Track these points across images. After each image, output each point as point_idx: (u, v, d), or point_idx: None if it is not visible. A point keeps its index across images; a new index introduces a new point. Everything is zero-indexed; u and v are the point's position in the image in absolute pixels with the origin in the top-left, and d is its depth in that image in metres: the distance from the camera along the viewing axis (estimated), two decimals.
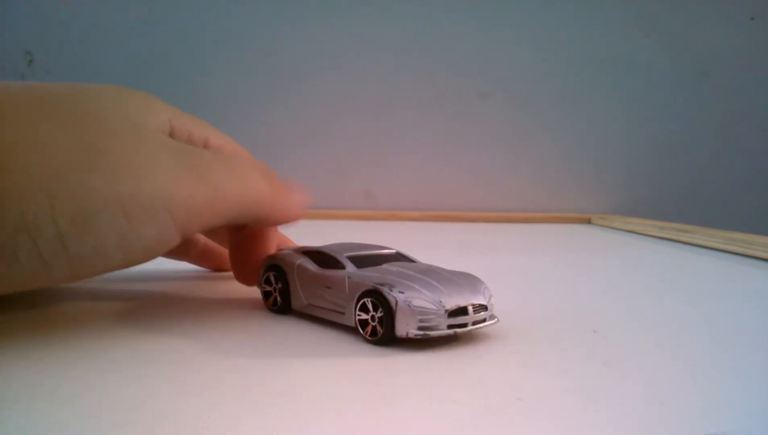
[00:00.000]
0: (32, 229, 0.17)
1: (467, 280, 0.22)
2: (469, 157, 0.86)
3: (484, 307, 0.21)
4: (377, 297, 0.20)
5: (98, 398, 0.15)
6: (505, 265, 0.42)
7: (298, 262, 0.24)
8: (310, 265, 0.23)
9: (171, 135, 0.24)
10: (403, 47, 0.84)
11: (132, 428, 0.13)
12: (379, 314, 0.20)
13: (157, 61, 0.82)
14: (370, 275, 0.21)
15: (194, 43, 0.82)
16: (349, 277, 0.22)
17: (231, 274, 0.34)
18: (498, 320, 0.22)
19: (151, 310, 0.25)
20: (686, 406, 0.16)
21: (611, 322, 0.25)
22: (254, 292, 0.27)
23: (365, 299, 0.20)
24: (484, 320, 0.21)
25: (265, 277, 0.25)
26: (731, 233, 0.56)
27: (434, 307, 0.20)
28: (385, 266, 0.23)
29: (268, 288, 0.25)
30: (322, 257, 0.24)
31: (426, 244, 0.55)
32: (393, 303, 0.20)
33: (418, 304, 0.20)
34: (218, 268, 0.35)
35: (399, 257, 0.25)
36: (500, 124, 0.86)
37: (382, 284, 0.20)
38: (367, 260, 0.23)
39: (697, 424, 0.15)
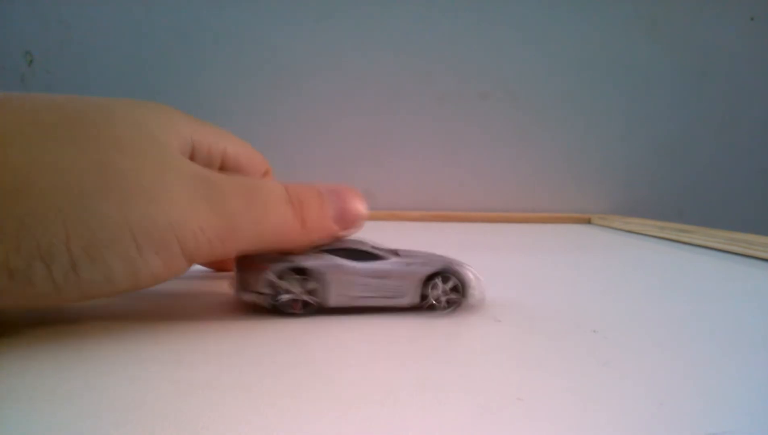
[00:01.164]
0: (47, 256, 0.17)
1: (446, 258, 0.27)
2: (469, 157, 0.86)
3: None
4: (454, 275, 0.25)
5: (98, 398, 0.15)
6: (505, 265, 0.42)
7: (335, 262, 0.25)
8: (350, 263, 0.25)
9: (192, 152, 0.24)
10: (403, 47, 0.84)
11: (132, 428, 0.13)
12: (450, 287, 0.25)
13: (157, 61, 0.82)
14: (428, 260, 0.26)
15: (194, 43, 0.82)
16: (407, 265, 0.25)
17: (232, 274, 0.34)
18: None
19: (151, 309, 0.25)
20: (686, 406, 0.16)
21: (611, 322, 0.25)
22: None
23: (436, 279, 0.25)
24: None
25: (281, 283, 0.24)
26: (731, 233, 0.56)
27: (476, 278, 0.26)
28: (419, 252, 0.27)
29: (295, 291, 0.24)
30: (355, 253, 0.25)
31: (426, 244, 0.55)
32: (468, 278, 0.25)
33: (473, 276, 0.26)
34: (220, 268, 0.35)
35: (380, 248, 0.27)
36: (500, 124, 0.86)
37: (450, 264, 0.25)
38: (394, 252, 0.27)
39: (697, 424, 0.15)
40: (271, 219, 0.22)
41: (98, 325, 0.22)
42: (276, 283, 0.24)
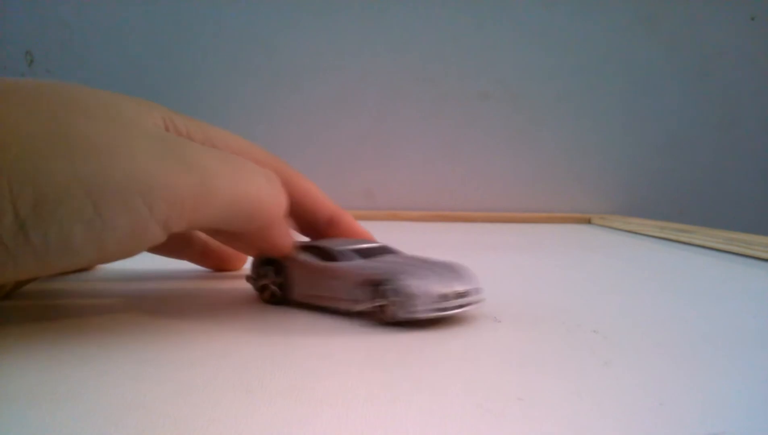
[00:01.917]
0: None
1: (455, 267, 0.24)
2: (469, 157, 0.86)
3: (470, 292, 0.23)
4: (390, 285, 0.22)
5: (98, 398, 0.15)
6: (505, 265, 0.42)
7: (300, 256, 0.25)
8: (312, 259, 0.25)
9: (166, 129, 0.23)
10: (403, 47, 0.84)
11: (132, 428, 0.13)
12: (390, 300, 0.22)
13: (157, 61, 0.82)
14: (380, 266, 0.23)
15: (194, 43, 0.82)
16: (360, 268, 0.23)
17: (231, 273, 0.34)
18: (484, 299, 0.24)
19: (151, 309, 0.25)
20: (686, 406, 0.16)
21: (611, 322, 0.25)
22: (254, 291, 0.27)
23: (379, 287, 0.22)
24: (470, 304, 0.23)
25: (261, 271, 0.27)
26: (731, 233, 0.56)
27: (429, 291, 0.22)
28: (387, 257, 0.25)
29: (266, 281, 0.26)
30: (323, 251, 0.25)
31: (426, 244, 0.55)
32: (401, 289, 0.22)
33: (416, 289, 0.22)
34: (219, 268, 0.35)
35: (388, 250, 0.27)
36: (500, 124, 0.86)
37: (393, 273, 0.22)
38: (367, 253, 0.25)
39: (697, 424, 0.15)
40: (248, 185, 0.21)
41: (98, 325, 0.22)
42: (258, 269, 0.27)
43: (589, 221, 0.81)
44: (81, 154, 0.17)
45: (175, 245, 0.32)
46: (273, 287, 0.26)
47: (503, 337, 0.22)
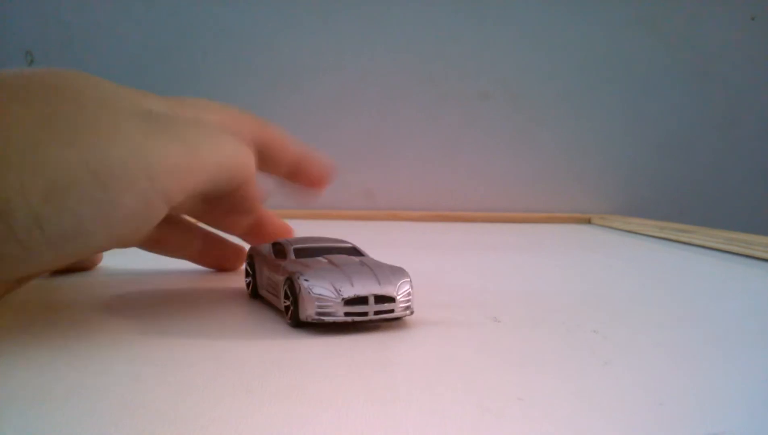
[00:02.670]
0: (5, 213, 0.16)
1: (387, 274, 0.22)
2: (469, 157, 0.86)
3: (389, 299, 0.22)
4: (290, 283, 0.22)
5: (97, 398, 0.15)
6: (505, 265, 0.42)
7: (264, 251, 0.26)
8: (269, 255, 0.25)
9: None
10: (403, 47, 0.84)
11: (131, 428, 0.13)
12: (290, 299, 0.22)
13: (157, 61, 0.82)
14: (294, 264, 0.23)
15: (194, 43, 0.82)
16: (283, 266, 0.23)
17: (231, 273, 0.34)
18: (411, 313, 0.22)
19: (151, 309, 0.25)
20: (686, 406, 0.16)
21: (611, 322, 0.25)
22: None
23: (285, 286, 0.22)
24: (390, 311, 0.22)
25: (245, 265, 0.28)
26: (731, 233, 0.56)
27: (332, 295, 0.21)
28: (319, 257, 0.24)
29: (247, 279, 0.28)
30: (279, 248, 0.25)
31: (426, 244, 0.55)
32: (297, 289, 0.21)
33: (317, 291, 0.21)
34: (219, 268, 0.35)
35: (348, 251, 0.26)
36: (500, 124, 0.86)
37: (294, 272, 0.22)
38: (310, 252, 0.25)
39: (697, 424, 0.15)
40: (225, 147, 0.23)
41: (98, 324, 0.22)
42: (246, 267, 0.28)
43: (589, 221, 0.81)
44: (81, 139, 0.18)
45: (175, 245, 0.32)
46: (253, 283, 0.27)
47: (503, 337, 0.22)
